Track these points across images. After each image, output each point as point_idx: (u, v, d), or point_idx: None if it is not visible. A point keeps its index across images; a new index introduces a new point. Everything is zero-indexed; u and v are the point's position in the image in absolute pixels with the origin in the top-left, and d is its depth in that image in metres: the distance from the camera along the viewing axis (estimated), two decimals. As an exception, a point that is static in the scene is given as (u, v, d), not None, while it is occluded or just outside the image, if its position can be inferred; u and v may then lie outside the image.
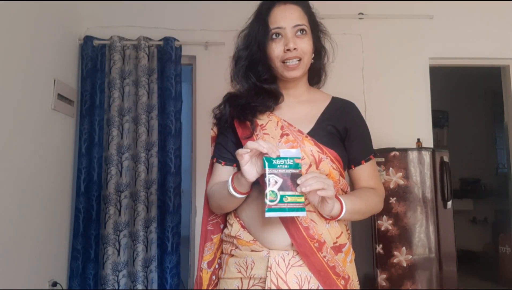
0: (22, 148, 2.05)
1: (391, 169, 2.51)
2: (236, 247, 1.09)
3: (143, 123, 2.70)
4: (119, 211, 2.62)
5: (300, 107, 1.16)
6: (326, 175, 1.06)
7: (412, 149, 2.59)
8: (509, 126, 3.18)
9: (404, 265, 2.44)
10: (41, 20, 2.28)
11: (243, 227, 1.09)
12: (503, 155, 4.62)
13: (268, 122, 1.12)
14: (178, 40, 2.82)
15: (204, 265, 1.16)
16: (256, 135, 1.10)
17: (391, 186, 2.50)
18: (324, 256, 1.03)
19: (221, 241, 1.18)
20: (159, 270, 2.64)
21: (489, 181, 4.98)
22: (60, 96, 2.45)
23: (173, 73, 2.78)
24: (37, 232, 2.20)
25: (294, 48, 1.07)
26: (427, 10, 3.05)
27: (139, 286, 2.56)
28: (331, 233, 1.05)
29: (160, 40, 2.80)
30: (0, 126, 1.87)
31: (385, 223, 2.47)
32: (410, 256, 2.45)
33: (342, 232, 1.08)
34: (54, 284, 2.36)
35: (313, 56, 1.15)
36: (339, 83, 2.86)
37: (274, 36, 1.09)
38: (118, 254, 2.58)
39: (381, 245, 2.47)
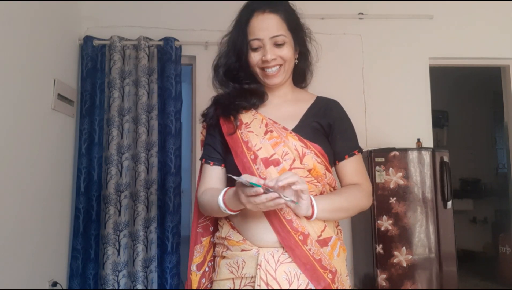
0: (22, 148, 2.05)
1: (391, 169, 2.51)
2: (227, 248, 1.10)
3: (143, 123, 2.70)
4: (119, 211, 2.62)
5: (285, 106, 1.18)
6: (311, 169, 1.08)
7: (412, 149, 2.59)
8: (509, 126, 3.18)
9: (404, 265, 2.44)
10: (41, 20, 2.28)
11: (232, 227, 1.11)
12: (503, 155, 4.62)
13: (252, 121, 1.14)
14: (178, 40, 2.82)
15: (194, 267, 1.17)
16: (241, 133, 1.13)
17: (391, 186, 2.50)
18: (309, 249, 1.03)
19: (211, 244, 1.20)
20: (159, 270, 2.64)
21: (489, 181, 4.98)
22: (60, 96, 2.45)
23: (173, 73, 2.78)
24: (37, 232, 2.20)
25: (273, 59, 1.11)
26: (427, 10, 3.05)
27: (139, 286, 2.56)
28: (314, 227, 1.06)
29: (160, 40, 2.80)
30: (0, 126, 1.87)
31: (385, 223, 2.47)
32: (410, 256, 2.45)
33: (325, 226, 1.08)
34: (54, 284, 2.36)
35: (297, 57, 1.19)
36: (339, 83, 2.89)
37: (253, 46, 1.12)
38: (118, 254, 2.58)
39: (381, 245, 2.47)
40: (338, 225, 1.17)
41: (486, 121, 5.08)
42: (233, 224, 1.11)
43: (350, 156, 1.16)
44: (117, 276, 2.56)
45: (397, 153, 2.53)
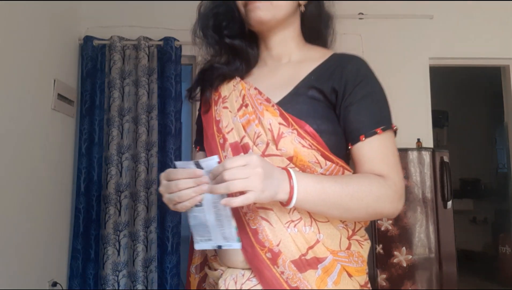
0: (22, 148, 2.05)
1: (391, 169, 2.51)
2: (207, 264, 0.93)
3: (143, 123, 2.70)
4: (119, 211, 2.62)
5: (282, 70, 0.89)
6: (292, 157, 0.77)
7: (412, 149, 2.59)
8: (509, 126, 3.18)
9: (404, 265, 2.44)
10: (41, 20, 2.27)
11: None
12: (503, 155, 4.62)
13: (231, 93, 0.89)
14: (178, 40, 2.81)
15: (192, 269, 0.98)
16: (216, 110, 0.89)
17: (391, 186, 2.49)
18: (282, 272, 0.74)
19: None
20: (159, 270, 2.64)
21: (489, 181, 4.99)
22: (60, 96, 2.45)
23: (173, 73, 2.78)
24: (37, 232, 2.20)
25: None
26: (427, 10, 3.05)
27: (139, 286, 2.56)
28: (297, 241, 0.75)
29: (160, 40, 2.80)
30: (0, 126, 1.87)
31: (385, 223, 2.47)
32: (410, 256, 2.45)
33: (317, 240, 0.76)
34: (54, 284, 2.36)
35: (304, 4, 0.90)
36: (339, 83, 2.88)
37: None
38: (118, 254, 2.58)
39: (381, 245, 2.47)
40: (355, 233, 0.80)
41: (486, 121, 5.08)
42: None
43: (368, 135, 0.79)
44: (117, 276, 2.56)
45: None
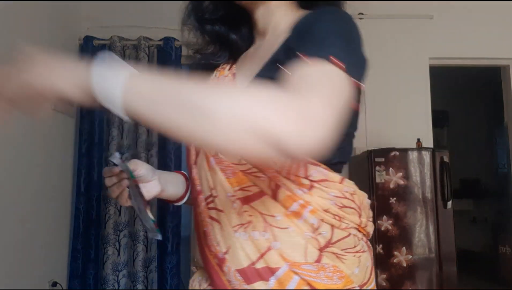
0: (22, 148, 2.05)
1: (391, 169, 2.51)
2: None
3: (143, 124, 2.70)
4: (119, 211, 2.62)
5: (263, 48, 0.75)
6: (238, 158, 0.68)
7: (412, 149, 2.59)
8: (509, 126, 3.19)
9: (404, 265, 2.44)
10: (41, 20, 2.27)
11: None
12: (503, 155, 4.62)
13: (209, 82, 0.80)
14: (178, 40, 2.82)
15: None
16: None
17: (391, 186, 2.49)
18: (229, 280, 0.66)
19: None
20: (159, 270, 2.64)
21: (489, 181, 4.99)
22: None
23: (173, 73, 2.77)
24: (37, 232, 2.20)
25: None
26: (427, 10, 3.05)
27: (139, 286, 2.56)
28: (246, 247, 0.65)
29: (160, 40, 2.80)
30: (0, 127, 1.86)
31: (385, 223, 2.47)
32: (410, 256, 2.45)
33: (269, 248, 0.64)
34: (54, 284, 2.36)
35: None
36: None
37: None
38: (118, 254, 2.58)
39: (381, 245, 2.46)
40: (331, 245, 0.65)
41: (486, 121, 5.08)
42: None
43: (289, 64, 0.56)
44: (117, 276, 2.56)
45: (397, 153, 2.53)
